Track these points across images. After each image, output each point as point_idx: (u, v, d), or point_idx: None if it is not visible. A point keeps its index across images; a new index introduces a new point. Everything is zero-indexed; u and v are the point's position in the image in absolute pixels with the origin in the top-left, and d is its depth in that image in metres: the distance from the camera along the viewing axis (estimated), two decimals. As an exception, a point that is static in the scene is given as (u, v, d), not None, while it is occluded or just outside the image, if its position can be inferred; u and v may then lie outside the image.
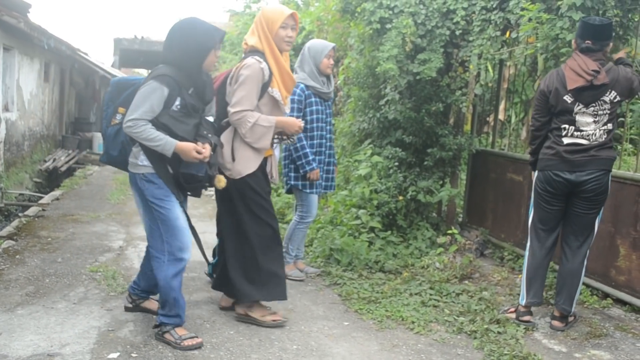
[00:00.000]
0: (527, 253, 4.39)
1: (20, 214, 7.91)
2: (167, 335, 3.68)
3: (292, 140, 4.24)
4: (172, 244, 3.63)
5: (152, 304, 4.13)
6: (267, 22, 3.95)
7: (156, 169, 3.58)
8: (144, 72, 50.60)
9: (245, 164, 3.93)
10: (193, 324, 4.02)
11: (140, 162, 3.60)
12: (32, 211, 7.59)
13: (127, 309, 4.15)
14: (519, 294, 4.83)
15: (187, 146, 3.51)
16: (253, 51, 3.95)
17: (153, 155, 3.56)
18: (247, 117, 3.82)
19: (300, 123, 4.08)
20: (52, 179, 12.75)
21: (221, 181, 3.76)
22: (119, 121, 3.67)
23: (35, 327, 3.83)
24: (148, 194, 3.62)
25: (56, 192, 9.35)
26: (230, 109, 3.85)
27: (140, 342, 3.69)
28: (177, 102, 3.54)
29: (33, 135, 12.97)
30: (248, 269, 3.99)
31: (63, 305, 4.24)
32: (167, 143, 3.48)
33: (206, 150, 3.56)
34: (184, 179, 3.62)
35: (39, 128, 13.53)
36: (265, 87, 3.92)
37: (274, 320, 4.05)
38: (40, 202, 8.61)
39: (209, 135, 3.66)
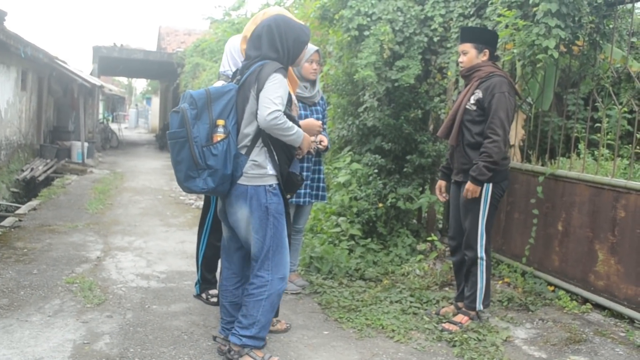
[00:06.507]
0: (485, 262, 4.30)
1: (-4, 225, 7.78)
2: (246, 358, 3.50)
3: (315, 143, 4.23)
4: (278, 262, 3.46)
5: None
6: None
7: (282, 173, 3.44)
8: (123, 80, 50.55)
9: None
10: (171, 335, 3.97)
11: (270, 171, 3.42)
12: (8, 222, 7.47)
13: (222, 353, 3.68)
14: (500, 300, 4.85)
15: (306, 135, 3.51)
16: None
17: (281, 156, 3.44)
18: None
19: (320, 123, 4.03)
20: (29, 189, 12.59)
21: None
22: (225, 134, 3.33)
23: (9, 341, 3.75)
24: (273, 209, 3.41)
25: (33, 202, 9.21)
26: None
27: (117, 355, 3.63)
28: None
29: (10, 144, 12.80)
30: None
31: (38, 318, 4.16)
32: (299, 131, 3.39)
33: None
34: (295, 179, 3.52)
35: (16, 137, 13.36)
36: None
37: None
38: (16, 212, 8.48)
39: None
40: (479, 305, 4.33)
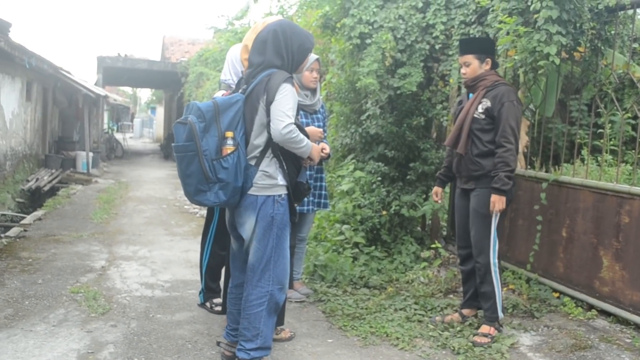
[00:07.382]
0: (498, 268, 4.32)
1: (1, 235, 7.80)
2: None
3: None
4: (279, 273, 3.46)
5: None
6: None
7: (290, 184, 3.44)
8: (128, 90, 50.68)
9: None
10: (175, 344, 3.97)
11: (281, 181, 3.41)
12: (13, 232, 7.50)
13: (225, 358, 3.72)
14: (504, 307, 4.83)
15: (315, 145, 3.51)
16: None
17: (290, 166, 3.44)
18: None
19: (320, 130, 4.05)
20: (35, 199, 12.61)
21: None
22: (234, 147, 3.30)
23: (13, 350, 3.76)
24: (278, 219, 3.40)
25: (38, 212, 9.24)
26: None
27: (121, 364, 3.64)
28: None
29: (15, 155, 12.85)
30: None
31: (42, 328, 4.17)
32: (308, 143, 3.39)
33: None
34: (303, 188, 3.52)
35: (22, 147, 13.41)
36: None
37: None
38: (22, 222, 8.51)
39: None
40: (501, 313, 4.30)
